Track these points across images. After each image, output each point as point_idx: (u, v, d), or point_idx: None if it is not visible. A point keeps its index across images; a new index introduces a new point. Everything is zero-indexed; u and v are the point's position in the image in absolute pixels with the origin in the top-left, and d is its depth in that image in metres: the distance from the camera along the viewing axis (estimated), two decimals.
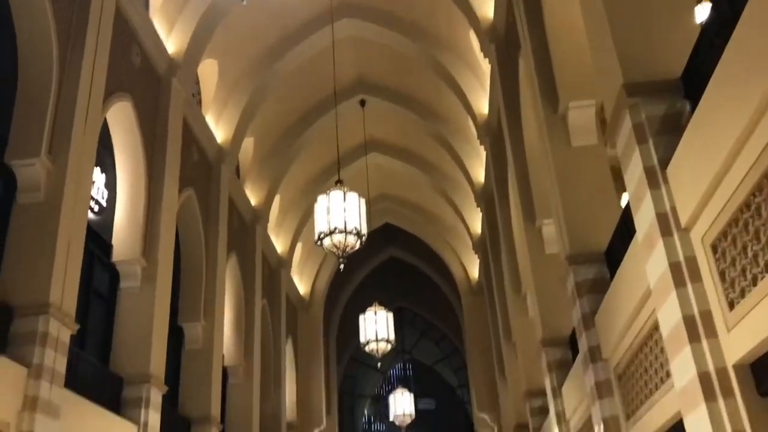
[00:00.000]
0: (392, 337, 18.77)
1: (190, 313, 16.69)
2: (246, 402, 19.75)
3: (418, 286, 34.50)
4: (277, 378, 23.44)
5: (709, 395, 5.31)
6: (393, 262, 33.80)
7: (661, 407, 6.89)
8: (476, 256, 26.55)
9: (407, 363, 38.23)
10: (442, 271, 31.54)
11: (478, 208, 23.31)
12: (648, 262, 6.31)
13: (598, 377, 8.93)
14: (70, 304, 10.51)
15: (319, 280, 30.26)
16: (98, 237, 13.65)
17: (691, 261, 5.70)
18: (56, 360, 9.83)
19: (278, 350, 23.86)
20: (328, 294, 30.94)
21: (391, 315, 19.15)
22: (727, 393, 5.23)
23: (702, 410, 5.35)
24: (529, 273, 14.30)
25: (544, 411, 15.19)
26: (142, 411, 12.54)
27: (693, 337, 5.52)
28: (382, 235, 30.73)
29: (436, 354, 37.98)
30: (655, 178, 6.11)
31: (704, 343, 5.44)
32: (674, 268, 5.79)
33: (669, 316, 5.87)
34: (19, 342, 9.59)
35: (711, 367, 5.36)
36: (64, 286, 10.35)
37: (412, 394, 25.70)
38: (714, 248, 5.38)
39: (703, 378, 5.37)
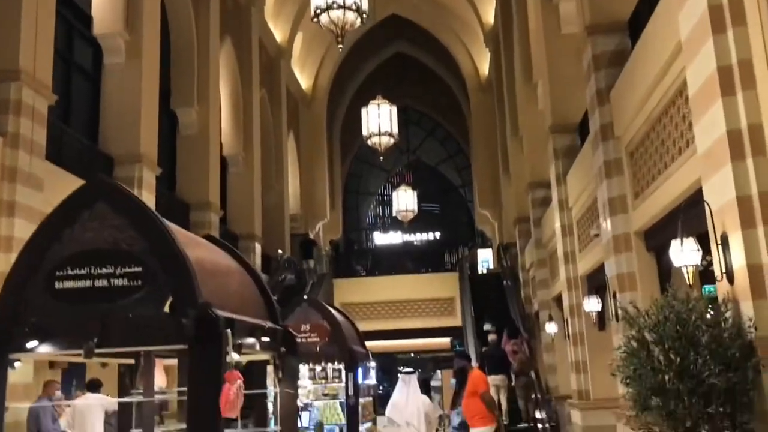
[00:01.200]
0: (395, 131, 18.15)
1: (183, 97, 15.97)
2: (247, 191, 19.66)
3: (425, 84, 33.30)
4: (279, 171, 23.26)
5: (736, 154, 4.71)
6: (399, 58, 32.36)
7: (677, 179, 6.37)
8: (487, 49, 25.22)
9: (412, 164, 38.13)
10: (451, 67, 30.25)
11: None
12: (682, 10, 5.43)
13: (608, 156, 8.38)
14: (45, 73, 9.77)
15: (321, 74, 29.12)
16: (77, 7, 12.59)
17: (736, 1, 4.82)
18: (34, 130, 9.28)
19: (279, 143, 23.46)
20: (332, 90, 29.92)
21: (394, 108, 18.40)
22: (758, 151, 4.62)
23: (726, 172, 4.78)
24: (543, 58, 13.39)
25: (546, 202, 15.00)
26: (135, 191, 12.25)
27: (727, 91, 4.80)
28: (388, 28, 29.04)
29: (441, 154, 37.77)
30: None
31: (739, 96, 4.74)
32: (714, 11, 4.93)
33: (701, 69, 5.11)
34: None
35: (743, 123, 4.70)
36: (36, 54, 9.53)
37: (415, 191, 25.69)
38: None
39: (733, 135, 4.74)
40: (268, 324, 4.38)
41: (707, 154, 5.12)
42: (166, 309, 3.42)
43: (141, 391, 4.33)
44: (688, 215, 5.60)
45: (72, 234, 3.55)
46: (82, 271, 3.47)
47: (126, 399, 4.56)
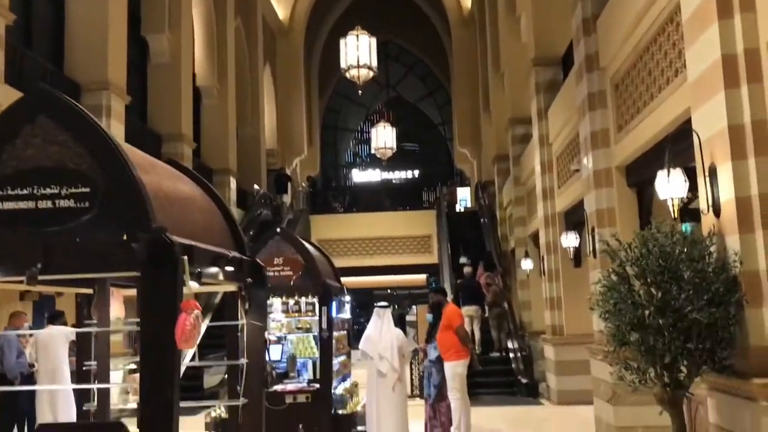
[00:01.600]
0: (374, 63, 17.68)
1: (154, 23, 15.30)
2: (221, 124, 19.15)
3: (406, 18, 32.37)
4: (255, 104, 22.68)
5: (730, 81, 4.46)
6: None
7: (663, 110, 6.13)
8: None
9: (391, 100, 37.48)
10: (433, 0, 29.38)
11: None
12: None
13: (592, 88, 8.10)
14: None
15: (299, 3, 28.09)
16: None
17: None
18: None
19: (255, 75, 22.78)
20: (310, 21, 28.95)
21: (374, 40, 17.88)
22: (754, 77, 4.38)
23: (718, 100, 4.54)
24: None
25: (525, 140, 14.78)
26: (103, 120, 11.78)
27: (724, 13, 4.52)
28: None
29: (421, 90, 37.13)
30: None
31: (737, 18, 4.46)
32: None
33: None
34: None
35: (739, 48, 4.44)
36: None
37: (394, 128, 25.28)
38: None
39: (728, 60, 4.48)
40: (233, 253, 4.13)
41: (699, 81, 4.87)
42: (125, 237, 3.16)
43: (95, 321, 4.10)
44: (673, 149, 5.38)
45: (12, 151, 3.22)
46: (24, 192, 3.15)
47: (87, 329, 4.33)
